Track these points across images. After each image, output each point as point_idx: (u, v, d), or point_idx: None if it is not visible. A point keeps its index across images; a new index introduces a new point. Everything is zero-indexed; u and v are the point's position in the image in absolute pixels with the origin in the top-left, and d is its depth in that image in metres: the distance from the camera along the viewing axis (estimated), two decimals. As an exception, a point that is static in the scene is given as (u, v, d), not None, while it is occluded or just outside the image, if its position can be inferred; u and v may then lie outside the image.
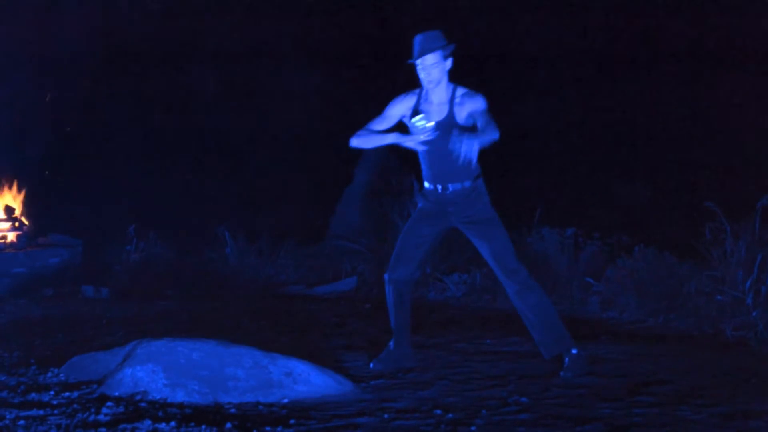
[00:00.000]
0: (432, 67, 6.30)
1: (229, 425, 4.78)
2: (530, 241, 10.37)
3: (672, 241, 9.30)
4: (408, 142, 6.28)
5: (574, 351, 6.22)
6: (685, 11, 14.93)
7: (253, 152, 17.30)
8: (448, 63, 6.37)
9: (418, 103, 6.44)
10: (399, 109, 6.46)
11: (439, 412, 5.16)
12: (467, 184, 6.39)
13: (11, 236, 12.85)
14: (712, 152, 13.69)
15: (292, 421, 4.95)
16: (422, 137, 6.19)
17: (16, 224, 13.07)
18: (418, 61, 6.32)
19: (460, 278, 10.58)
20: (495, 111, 6.37)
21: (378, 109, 6.52)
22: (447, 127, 6.25)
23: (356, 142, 6.44)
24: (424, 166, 6.49)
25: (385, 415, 5.11)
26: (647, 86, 15.85)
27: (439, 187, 6.42)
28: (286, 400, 5.42)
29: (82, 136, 16.22)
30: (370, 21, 16.82)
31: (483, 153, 6.16)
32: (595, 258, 9.93)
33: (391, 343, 6.53)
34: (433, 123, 6.17)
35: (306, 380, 5.61)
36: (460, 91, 6.39)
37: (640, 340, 7.59)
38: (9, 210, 13.19)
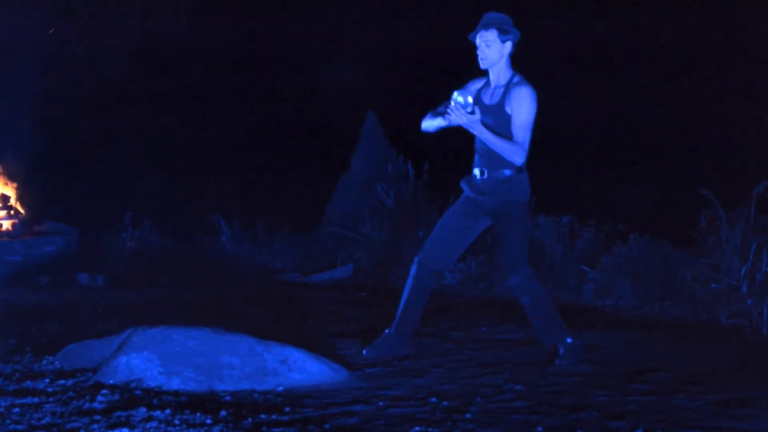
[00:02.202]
0: (486, 45, 6.26)
1: (224, 413, 4.78)
2: (526, 229, 10.35)
3: (667, 228, 9.30)
4: (453, 119, 6.08)
5: (569, 340, 6.20)
6: (682, 8, 14.94)
7: (249, 139, 17.30)
8: (507, 46, 6.29)
9: (482, 87, 6.41)
10: (467, 90, 6.34)
11: (434, 399, 5.16)
12: (507, 173, 6.31)
13: (6, 224, 12.83)
14: (707, 140, 13.71)
15: (287, 409, 4.95)
16: (460, 114, 6.01)
17: (12, 212, 13.05)
18: (478, 37, 6.28)
19: (455, 266, 10.56)
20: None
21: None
22: (497, 111, 6.23)
23: (423, 125, 6.44)
24: (475, 155, 6.46)
25: (380, 403, 5.11)
26: (643, 77, 15.87)
27: (478, 172, 6.39)
28: (281, 388, 5.42)
29: (78, 124, 16.20)
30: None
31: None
32: (590, 246, 9.92)
33: (391, 330, 6.49)
34: (470, 99, 6.03)
35: (301, 368, 5.61)
36: (516, 78, 6.32)
37: (636, 327, 7.60)
38: (4, 198, 13.16)
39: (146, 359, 5.46)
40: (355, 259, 11.84)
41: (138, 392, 5.19)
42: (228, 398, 5.21)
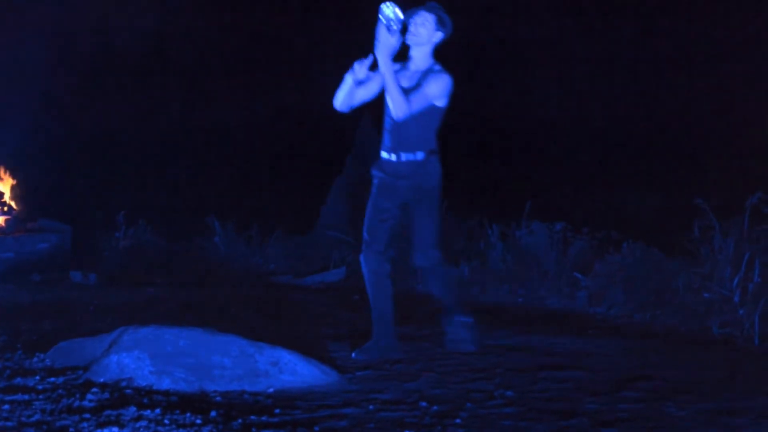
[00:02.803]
0: (421, 26, 6.42)
1: (214, 413, 4.77)
2: (520, 235, 10.38)
3: (661, 237, 9.31)
4: (381, 36, 6.16)
5: (463, 319, 6.62)
6: (681, 12, 14.96)
7: (244, 141, 17.30)
8: (438, 35, 6.47)
9: (399, 69, 6.50)
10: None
11: (424, 404, 5.16)
12: (420, 156, 6.49)
13: (0, 220, 12.82)
14: (702, 150, 13.73)
15: (277, 411, 4.95)
16: (392, 29, 6.10)
17: (5, 208, 13.04)
18: (417, 15, 6.42)
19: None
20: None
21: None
22: (411, 94, 6.36)
23: (335, 101, 6.57)
24: (384, 135, 6.62)
25: (371, 407, 5.11)
26: (639, 84, 15.89)
27: (394, 156, 6.53)
28: (271, 390, 5.42)
29: (74, 122, 16.20)
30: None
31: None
32: (583, 253, 9.94)
33: (376, 334, 6.55)
34: (398, 10, 6.07)
35: (292, 370, 5.61)
36: (438, 66, 6.50)
37: (627, 335, 7.61)
38: (-2, 194, 13.16)
39: (137, 358, 5.45)
40: (348, 262, 11.85)
41: (128, 391, 5.18)
42: (218, 399, 5.20)
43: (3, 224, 12.75)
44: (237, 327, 6.44)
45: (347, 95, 6.52)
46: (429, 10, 6.44)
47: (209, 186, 16.15)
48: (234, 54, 18.26)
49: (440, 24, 6.45)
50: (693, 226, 8.46)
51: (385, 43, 6.15)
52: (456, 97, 6.55)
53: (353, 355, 6.45)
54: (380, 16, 6.08)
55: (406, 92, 6.35)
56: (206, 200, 14.64)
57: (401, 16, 6.10)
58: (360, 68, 6.36)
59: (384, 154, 6.60)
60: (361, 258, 6.62)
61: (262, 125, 17.54)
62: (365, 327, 6.88)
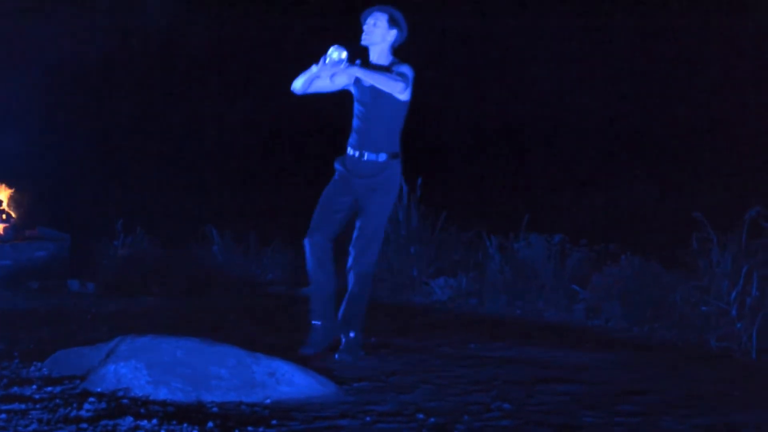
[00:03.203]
0: (374, 27, 6.57)
1: (210, 424, 4.76)
2: (517, 248, 10.38)
3: (659, 250, 9.31)
4: (321, 73, 6.40)
5: (352, 334, 6.65)
6: (683, 24, 14.98)
7: (243, 150, 17.30)
8: (392, 34, 6.59)
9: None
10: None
11: (421, 416, 5.15)
12: (382, 157, 6.59)
13: (-2, 228, 12.82)
14: (700, 163, 13.73)
15: (274, 422, 4.94)
16: (331, 69, 6.31)
17: (3, 216, 13.04)
18: (370, 16, 6.59)
19: (446, 282, 10.58)
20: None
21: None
22: (373, 93, 6.50)
23: (295, 83, 6.72)
24: (351, 132, 6.74)
25: (367, 418, 5.10)
26: (638, 95, 15.89)
27: (357, 153, 6.65)
28: (268, 401, 5.41)
29: (72, 131, 16.20)
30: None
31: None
32: (581, 265, 9.94)
33: (317, 321, 6.77)
34: (345, 54, 6.26)
35: (289, 381, 5.60)
36: (396, 62, 6.61)
37: (625, 348, 7.60)
38: (-4, 202, 13.16)
39: (134, 368, 5.44)
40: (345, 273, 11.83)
41: (125, 401, 5.17)
42: (215, 409, 5.19)
43: (1, 232, 12.76)
44: (234, 337, 6.44)
45: (306, 81, 6.62)
46: (381, 10, 6.59)
47: (207, 195, 16.15)
48: (232, 62, 18.28)
49: (392, 23, 6.58)
50: (691, 240, 8.46)
51: (332, 77, 6.47)
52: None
53: (300, 351, 6.63)
54: (327, 56, 6.31)
55: (371, 89, 6.51)
56: (204, 209, 14.64)
57: (344, 56, 6.26)
58: (324, 70, 6.41)
59: (349, 150, 6.71)
60: (306, 243, 6.77)
61: (261, 134, 17.55)
62: (363, 338, 6.88)
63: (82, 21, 15.55)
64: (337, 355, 6.62)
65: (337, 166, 6.80)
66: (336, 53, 6.27)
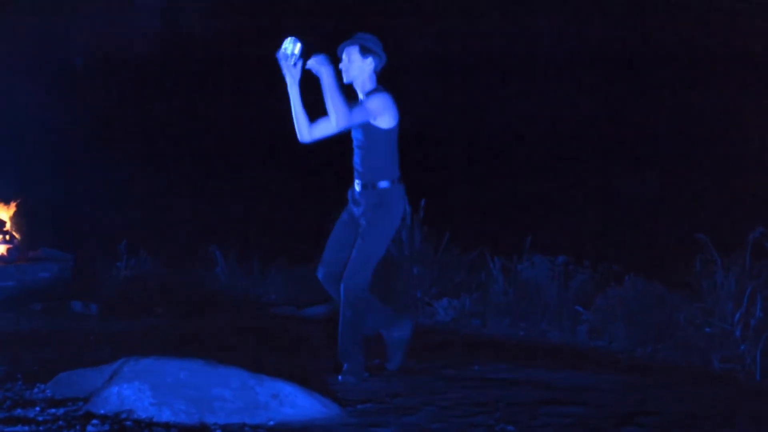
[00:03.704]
0: (349, 62, 6.60)
1: (214, 446, 4.76)
2: (521, 268, 10.38)
3: (662, 271, 9.31)
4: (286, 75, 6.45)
5: (357, 359, 6.66)
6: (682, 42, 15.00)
7: (246, 171, 17.31)
8: (369, 62, 6.61)
9: (350, 103, 6.61)
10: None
11: (425, 438, 5.15)
12: (375, 185, 6.65)
13: (1, 249, 12.83)
14: (704, 184, 13.73)
15: (277, 444, 4.94)
16: (289, 63, 6.34)
17: (7, 237, 13.05)
18: (343, 52, 6.62)
19: (449, 303, 10.57)
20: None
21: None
22: (362, 125, 6.54)
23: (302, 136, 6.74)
24: (353, 164, 6.81)
25: (371, 440, 5.10)
26: (640, 115, 15.90)
27: (356, 184, 6.74)
28: (272, 422, 5.41)
29: (75, 151, 16.22)
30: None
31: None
32: (585, 286, 9.93)
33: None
34: (299, 46, 6.31)
35: (293, 402, 5.60)
36: (371, 92, 6.62)
37: (628, 369, 7.59)
38: None
39: (137, 390, 5.44)
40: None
41: (128, 423, 5.17)
42: (218, 431, 5.19)
43: (5, 253, 12.77)
44: (238, 358, 6.44)
45: (300, 119, 6.65)
46: (351, 43, 6.61)
47: (211, 216, 16.16)
48: (235, 80, 18.31)
49: (365, 51, 6.59)
50: (695, 261, 8.46)
51: (288, 72, 6.42)
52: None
53: (339, 378, 6.66)
54: (282, 48, 6.34)
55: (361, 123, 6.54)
56: (208, 230, 14.65)
57: (297, 51, 6.31)
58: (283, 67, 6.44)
59: (355, 182, 6.77)
60: (319, 276, 6.92)
61: (264, 154, 17.57)
62: (366, 359, 6.88)
63: (84, 37, 15.60)
64: (340, 377, 6.63)
65: (348, 196, 6.87)
66: (291, 46, 6.30)
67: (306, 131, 6.62)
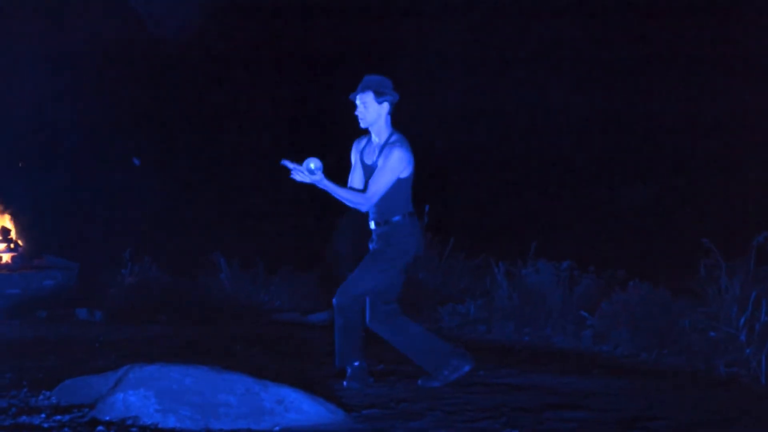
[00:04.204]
0: (364, 106, 6.65)
1: (219, 452, 4.76)
2: (525, 274, 10.37)
3: (667, 276, 9.30)
4: (297, 177, 6.57)
5: (356, 363, 6.70)
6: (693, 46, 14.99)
7: (250, 178, 17.31)
8: (385, 107, 6.65)
9: (365, 144, 6.82)
10: (354, 154, 6.90)
11: (430, 443, 5.15)
12: (389, 221, 6.72)
13: (6, 257, 12.85)
14: (708, 189, 13.72)
15: (283, 449, 4.94)
16: (309, 178, 6.48)
17: (12, 245, 13.07)
18: (357, 98, 6.67)
19: (454, 309, 10.57)
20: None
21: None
22: (371, 170, 6.67)
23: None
24: None
25: (376, 445, 5.10)
26: (645, 121, 15.89)
27: (371, 223, 6.83)
28: (277, 428, 5.41)
29: (80, 160, 16.24)
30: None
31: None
32: (589, 291, 9.92)
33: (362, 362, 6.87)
34: (313, 165, 6.46)
35: (298, 408, 5.59)
36: (394, 137, 6.68)
37: (633, 374, 7.58)
38: (4, 231, 13.19)
39: (143, 396, 5.44)
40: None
41: (134, 429, 5.17)
42: (224, 437, 5.19)
43: (10, 261, 12.79)
44: (242, 364, 6.44)
45: (352, 199, 6.72)
46: (364, 89, 6.64)
47: (215, 223, 16.17)
48: (238, 85, 18.33)
49: (379, 96, 6.63)
50: (699, 266, 8.45)
51: (313, 180, 6.52)
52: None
53: (344, 383, 6.73)
54: (304, 167, 6.50)
55: (370, 169, 6.67)
56: (212, 237, 14.65)
57: (312, 166, 6.47)
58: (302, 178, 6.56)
59: (370, 222, 6.86)
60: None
61: (268, 163, 17.59)
62: (370, 365, 6.88)
63: (93, 49, 15.62)
64: (345, 383, 6.66)
65: None
66: (313, 164, 6.45)
67: (363, 201, 6.66)
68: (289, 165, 6.47)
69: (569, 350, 8.91)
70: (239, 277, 13.40)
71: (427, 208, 11.60)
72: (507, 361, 7.82)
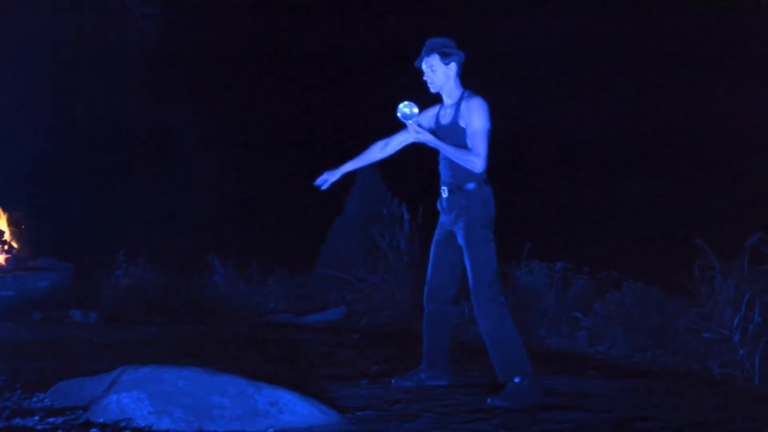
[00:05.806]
0: (431, 70, 6.55)
1: (213, 454, 4.76)
2: (519, 275, 10.37)
3: (661, 277, 9.31)
4: (410, 135, 6.48)
5: (516, 380, 6.31)
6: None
7: (245, 180, 17.31)
8: (452, 68, 6.55)
9: (439, 110, 6.68)
10: (423, 118, 6.66)
11: (424, 444, 5.15)
12: (469, 186, 6.49)
13: (0, 259, 12.82)
14: (702, 189, 13.73)
15: (277, 451, 4.94)
16: (410, 124, 6.34)
17: (6, 247, 13.04)
18: (423, 63, 6.58)
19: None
20: (490, 142, 6.43)
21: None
22: (453, 129, 6.48)
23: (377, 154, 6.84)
24: (440, 169, 6.71)
25: (371, 447, 5.10)
26: (638, 122, 15.90)
27: (443, 190, 6.62)
28: (271, 430, 5.40)
29: (74, 161, 16.23)
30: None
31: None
32: (583, 292, 9.93)
33: (421, 365, 6.86)
34: (416, 109, 6.30)
35: (292, 410, 5.59)
36: (467, 93, 6.57)
37: (628, 375, 7.59)
38: (-2, 233, 13.17)
39: (137, 398, 5.44)
40: (348, 302, 11.84)
41: (128, 431, 5.17)
42: (218, 439, 5.19)
43: (3, 263, 12.76)
44: (236, 366, 6.44)
45: (458, 153, 6.46)
46: (429, 53, 6.54)
47: (210, 225, 16.16)
48: (230, 88, 18.34)
49: (445, 57, 6.54)
50: (693, 266, 8.46)
51: (415, 134, 6.38)
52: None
53: (393, 381, 6.81)
54: (398, 114, 6.33)
55: (449, 128, 6.50)
56: (206, 239, 14.65)
57: (416, 111, 6.30)
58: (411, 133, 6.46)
59: (441, 188, 6.67)
60: (426, 304, 6.87)
61: (263, 165, 17.58)
62: (365, 366, 6.88)
63: (84, 48, 15.61)
64: (489, 400, 6.26)
65: (438, 206, 6.76)
66: (408, 109, 6.29)
67: (476, 159, 6.38)
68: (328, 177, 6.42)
69: (563, 351, 8.92)
70: (233, 278, 13.40)
71: (421, 209, 11.63)
72: (501, 363, 7.80)
